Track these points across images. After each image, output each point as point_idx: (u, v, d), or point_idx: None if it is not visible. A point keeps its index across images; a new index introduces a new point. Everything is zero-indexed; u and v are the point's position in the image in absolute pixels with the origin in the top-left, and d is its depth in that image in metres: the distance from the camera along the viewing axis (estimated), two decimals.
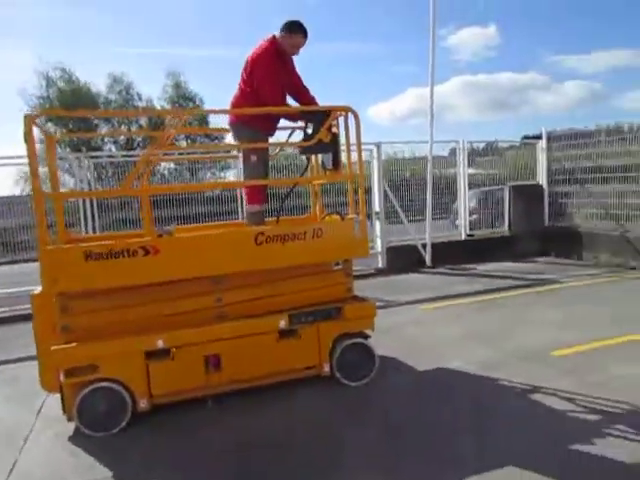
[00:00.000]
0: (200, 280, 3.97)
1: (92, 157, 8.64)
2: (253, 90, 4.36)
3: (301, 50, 4.56)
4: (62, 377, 3.60)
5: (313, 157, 4.77)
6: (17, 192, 17.70)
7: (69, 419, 3.74)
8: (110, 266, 3.60)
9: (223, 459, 3.29)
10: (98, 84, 26.51)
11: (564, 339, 5.16)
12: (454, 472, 2.96)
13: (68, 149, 24.26)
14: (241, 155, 4.63)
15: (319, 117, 4.22)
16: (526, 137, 18.38)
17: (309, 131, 4.32)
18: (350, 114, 4.18)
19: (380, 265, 9.57)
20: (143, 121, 25.97)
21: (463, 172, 10.51)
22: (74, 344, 3.64)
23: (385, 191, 9.59)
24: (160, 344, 3.77)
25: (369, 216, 9.46)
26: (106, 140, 25.48)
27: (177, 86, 27.35)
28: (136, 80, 26.90)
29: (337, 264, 4.44)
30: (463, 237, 10.57)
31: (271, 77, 4.31)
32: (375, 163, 9.56)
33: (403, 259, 9.63)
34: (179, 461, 3.29)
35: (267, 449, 3.37)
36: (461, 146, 10.49)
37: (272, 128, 4.59)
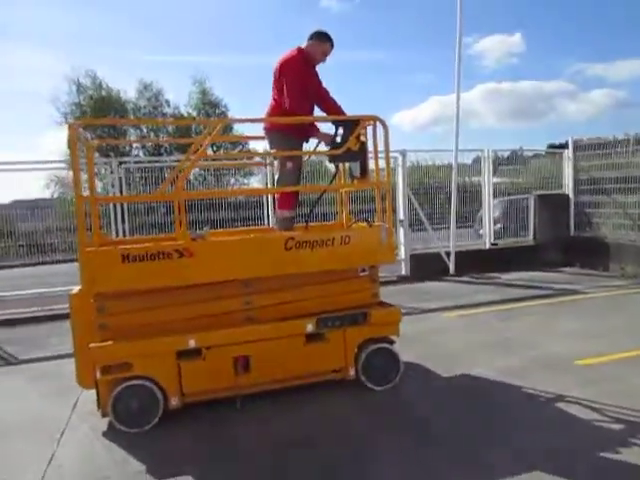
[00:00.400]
0: (230, 283, 4.10)
1: (121, 162, 8.86)
2: (283, 98, 4.51)
3: (327, 58, 4.76)
4: (98, 374, 3.75)
5: (341, 165, 4.88)
6: (47, 195, 18.21)
7: (103, 415, 3.90)
8: (146, 268, 3.74)
9: (253, 456, 3.40)
10: (126, 90, 27.10)
11: (588, 349, 5.16)
12: (480, 475, 3.02)
13: (97, 154, 24.85)
14: (275, 162, 4.76)
15: (348, 126, 4.34)
16: (552, 146, 18.25)
17: (338, 139, 4.44)
18: (378, 123, 4.29)
19: (404, 272, 9.63)
20: (170, 128, 26.47)
21: (488, 181, 10.52)
22: (110, 342, 3.79)
23: (409, 199, 9.65)
24: (192, 344, 3.90)
25: (393, 223, 9.54)
26: (134, 146, 26.03)
27: (203, 93, 27.81)
28: (164, 89, 27.54)
29: (363, 270, 4.53)
30: (487, 246, 10.56)
31: (298, 84, 4.47)
32: (400, 171, 9.63)
33: (426, 267, 9.67)
34: (210, 458, 3.40)
35: (298, 448, 3.47)
36: (486, 155, 10.51)
37: (306, 135, 4.73)
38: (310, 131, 4.66)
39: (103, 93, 26.24)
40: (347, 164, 4.76)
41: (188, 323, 4.03)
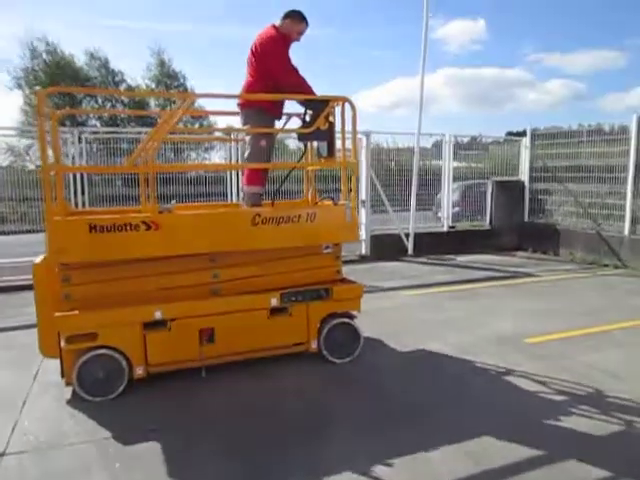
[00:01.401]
0: (197, 257, 4.15)
1: (82, 133, 8.66)
2: (262, 76, 4.54)
3: (301, 38, 4.78)
4: (63, 343, 3.76)
5: (308, 144, 4.95)
6: None
7: (67, 384, 3.91)
8: (113, 239, 3.75)
9: (219, 423, 3.50)
10: (80, 58, 26.19)
11: (536, 328, 5.46)
12: (432, 439, 3.20)
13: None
14: (247, 138, 4.76)
15: (318, 106, 4.40)
16: (510, 133, 18.67)
17: (307, 118, 4.50)
18: (347, 104, 4.37)
19: (364, 252, 9.82)
20: (126, 99, 25.83)
21: (448, 165, 10.75)
22: (76, 312, 3.80)
23: (372, 180, 9.80)
24: (158, 315, 3.95)
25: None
26: (90, 116, 25.29)
27: (161, 65, 27.18)
28: (120, 55, 26.69)
29: (327, 247, 4.65)
30: (445, 228, 10.86)
31: (285, 62, 4.54)
32: (363, 152, 9.75)
33: (386, 247, 9.90)
34: (176, 425, 3.48)
35: (258, 416, 3.60)
36: (447, 139, 10.74)
37: (280, 113, 4.80)
38: (282, 109, 4.72)
39: (57, 59, 25.27)
40: (315, 143, 4.84)
41: (154, 295, 4.07)
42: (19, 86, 25.46)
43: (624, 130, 9.25)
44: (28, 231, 9.84)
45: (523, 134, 11.47)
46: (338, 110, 4.45)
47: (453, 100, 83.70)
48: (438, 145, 11.46)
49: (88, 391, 3.81)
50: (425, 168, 11.06)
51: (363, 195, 9.81)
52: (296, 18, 4.65)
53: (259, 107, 4.58)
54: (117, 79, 26.35)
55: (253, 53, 4.60)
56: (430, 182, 11.06)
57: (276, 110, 4.70)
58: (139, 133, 11.88)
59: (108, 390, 3.85)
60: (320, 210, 4.48)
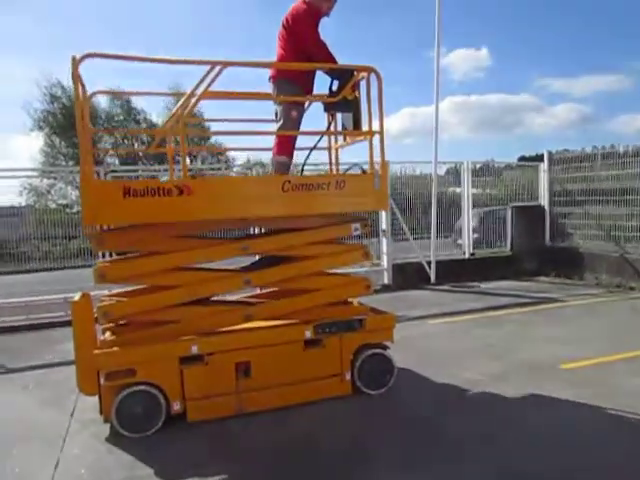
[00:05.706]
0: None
1: (112, 171, 8.83)
2: (293, 48, 4.61)
3: (331, 13, 4.82)
4: (103, 380, 3.78)
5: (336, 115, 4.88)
6: (22, 202, 17.93)
7: (105, 420, 3.93)
8: (146, 203, 3.77)
9: (255, 456, 3.49)
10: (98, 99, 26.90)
11: (571, 354, 5.38)
12: (479, 472, 3.15)
13: (71, 162, 24.58)
14: (278, 109, 4.78)
15: (344, 75, 4.44)
16: (523, 158, 18.67)
17: (334, 88, 4.52)
18: (373, 74, 4.33)
19: (386, 281, 9.80)
20: (145, 137, 26.42)
21: (467, 192, 10.76)
22: (115, 349, 3.85)
23: (391, 208, 9.81)
24: (194, 350, 3.97)
25: (376, 233, 9.79)
26: (109, 154, 25.83)
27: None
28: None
29: (356, 229, 4.62)
30: (466, 256, 10.81)
31: (315, 35, 4.60)
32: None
33: (408, 276, 9.86)
34: (217, 461, 3.47)
35: (299, 447, 3.59)
36: (465, 166, 10.77)
37: (311, 87, 4.84)
38: (313, 83, 4.81)
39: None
40: (340, 119, 4.81)
41: (189, 312, 4.13)
42: (40, 128, 26.19)
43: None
44: (51, 269, 9.99)
45: (537, 158, 11.43)
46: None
47: (461, 127, 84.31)
48: (451, 172, 11.48)
49: (127, 428, 3.82)
50: (441, 195, 11.07)
51: (383, 224, 9.84)
52: None
53: (290, 78, 4.62)
54: (139, 117, 26.91)
55: (284, 26, 4.66)
56: (446, 209, 11.06)
57: (306, 83, 4.74)
58: (157, 171, 12.09)
59: (147, 426, 3.86)
60: (349, 178, 4.46)
